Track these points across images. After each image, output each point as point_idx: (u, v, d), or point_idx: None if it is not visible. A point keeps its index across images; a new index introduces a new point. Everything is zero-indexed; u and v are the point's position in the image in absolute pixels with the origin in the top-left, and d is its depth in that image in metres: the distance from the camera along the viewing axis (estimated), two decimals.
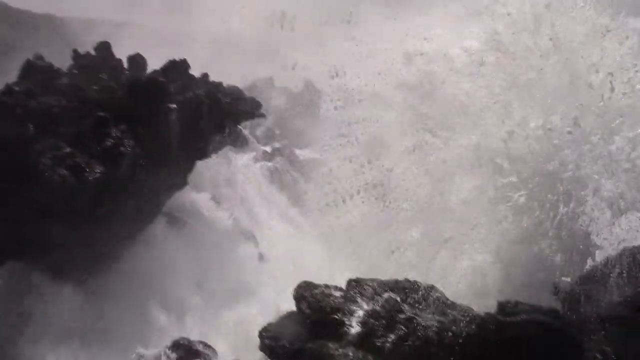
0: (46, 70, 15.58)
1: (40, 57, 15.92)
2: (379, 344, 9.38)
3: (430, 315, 9.72)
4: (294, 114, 33.90)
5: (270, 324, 10.58)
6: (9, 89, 13.72)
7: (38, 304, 13.75)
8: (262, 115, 18.73)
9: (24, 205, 12.33)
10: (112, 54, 17.56)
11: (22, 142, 11.98)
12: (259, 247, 20.27)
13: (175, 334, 12.21)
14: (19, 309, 13.67)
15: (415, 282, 10.46)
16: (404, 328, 9.42)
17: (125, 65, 17.14)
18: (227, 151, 22.48)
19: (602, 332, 9.39)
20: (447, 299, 10.34)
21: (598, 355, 8.79)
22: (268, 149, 30.20)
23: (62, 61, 17.58)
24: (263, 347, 10.34)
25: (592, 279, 12.22)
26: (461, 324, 9.25)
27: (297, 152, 30.64)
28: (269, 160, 29.18)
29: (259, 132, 30.98)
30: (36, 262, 13.65)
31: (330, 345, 9.54)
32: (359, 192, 19.63)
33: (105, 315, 14.73)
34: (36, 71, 15.39)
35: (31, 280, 13.55)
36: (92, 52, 17.46)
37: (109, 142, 13.52)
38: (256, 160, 29.00)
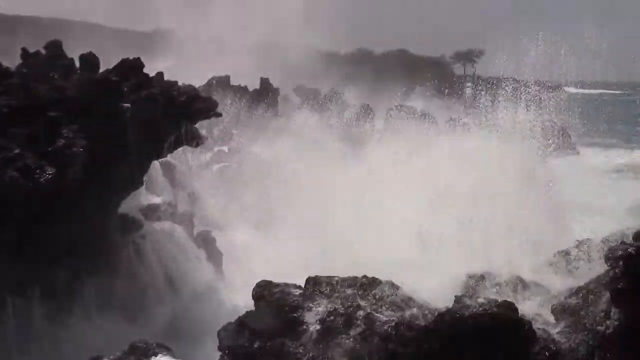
0: None
1: None
2: (338, 341, 9.43)
3: (388, 312, 9.81)
4: (251, 114, 33.81)
5: (229, 324, 10.51)
6: None
7: None
8: (219, 115, 18.53)
9: None
10: (63, 53, 17.20)
11: None
12: (217, 247, 20.13)
13: (134, 339, 12.01)
14: None
15: (374, 278, 10.53)
16: (362, 324, 9.51)
17: (77, 64, 16.79)
18: (183, 151, 22.26)
19: (555, 323, 9.67)
20: (406, 294, 10.44)
21: (551, 346, 9.01)
22: (225, 148, 29.94)
23: (11, 60, 17.13)
24: (222, 347, 10.28)
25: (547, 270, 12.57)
26: (419, 319, 9.36)
27: (255, 151, 30.51)
28: (227, 160, 28.93)
29: (216, 131, 30.74)
30: None
31: (290, 343, 9.56)
32: None
33: (62, 323, 14.43)
34: None
35: None
36: (43, 51, 17.09)
37: (60, 143, 13.20)
38: (213, 160, 28.73)
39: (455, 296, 10.16)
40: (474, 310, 9.11)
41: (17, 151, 12.61)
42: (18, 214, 12.72)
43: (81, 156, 13.44)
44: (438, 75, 63.07)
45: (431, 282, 11.09)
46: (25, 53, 16.89)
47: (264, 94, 35.28)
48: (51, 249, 13.80)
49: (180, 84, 17.31)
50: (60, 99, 14.27)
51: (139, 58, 16.80)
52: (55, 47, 17.29)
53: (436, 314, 9.47)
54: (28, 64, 16.30)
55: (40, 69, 16.08)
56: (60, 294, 14.40)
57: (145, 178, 16.89)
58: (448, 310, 9.39)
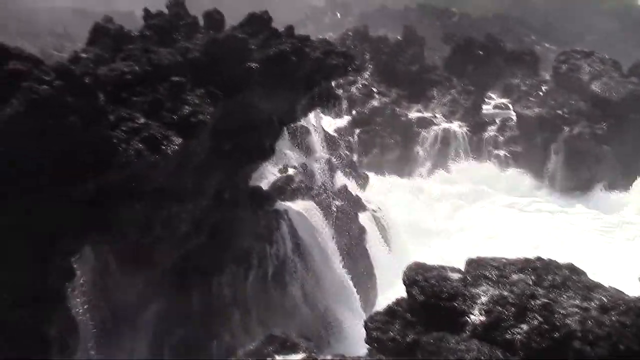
0: (116, 33, 15.80)
1: (109, 20, 16.15)
2: (508, 337, 8.88)
3: (570, 301, 9.09)
4: (395, 68, 33.17)
5: (377, 313, 10.31)
6: (76, 56, 14.00)
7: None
8: (357, 70, 18.23)
9: (99, 184, 12.57)
10: (186, 11, 17.63)
11: (92, 114, 12.15)
12: (360, 223, 20.04)
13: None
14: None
15: (550, 260, 9.84)
16: (538, 317, 8.87)
17: (201, 22, 17.17)
18: (318, 114, 22.27)
19: None
20: (591, 280, 9.66)
21: None
22: (366, 110, 29.55)
23: (131, 23, 17.89)
24: (370, 340, 10.09)
25: None
26: (612, 312, 8.56)
27: (401, 111, 29.97)
28: (367, 123, 28.60)
29: (355, 90, 30.52)
30: (116, 246, 13.99)
31: (449, 337, 9.14)
32: None
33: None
34: (105, 35, 15.65)
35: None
36: (165, 11, 17.63)
37: (186, 110, 13.53)
38: (353, 123, 28.49)
39: None
40: None
41: (141, 121, 13.03)
42: (145, 188, 13.24)
43: (208, 124, 13.71)
44: None
45: None
46: (147, 14, 17.50)
47: (409, 45, 34.40)
48: (182, 227, 14.32)
49: (312, 37, 17.19)
50: (184, 62, 14.63)
51: (266, 11, 16.89)
52: (177, 5, 17.74)
53: (633, 305, 8.63)
54: (150, 26, 16.87)
55: (163, 30, 16.57)
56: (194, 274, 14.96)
57: (276, 146, 17.02)
58: None
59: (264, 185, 17.92)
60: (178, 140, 13.13)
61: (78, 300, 13.36)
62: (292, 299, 16.49)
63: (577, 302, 9.08)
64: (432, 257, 11.81)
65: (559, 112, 31.07)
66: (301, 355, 10.06)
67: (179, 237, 14.40)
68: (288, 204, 17.79)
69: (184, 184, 13.78)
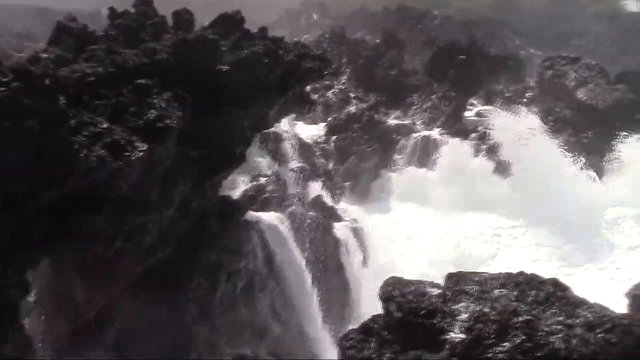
0: (79, 33, 15.65)
1: (72, 19, 16.01)
2: (489, 355, 8.87)
3: (554, 318, 9.12)
4: (373, 72, 33.24)
5: (352, 330, 10.25)
6: (35, 57, 13.82)
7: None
8: (333, 74, 18.28)
9: (59, 193, 12.40)
10: (154, 10, 17.52)
11: (52, 118, 11.98)
12: (334, 235, 20.03)
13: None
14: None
15: (533, 275, 9.86)
16: (521, 334, 8.88)
17: (170, 22, 17.07)
18: (292, 120, 22.27)
19: None
20: (576, 296, 9.70)
21: None
22: (343, 116, 29.57)
23: (97, 22, 17.73)
24: (344, 359, 10.03)
25: None
26: (597, 330, 8.58)
27: (379, 117, 30.00)
28: (344, 130, 28.59)
29: (331, 94, 30.49)
30: (76, 259, 13.82)
31: (427, 356, 9.12)
32: None
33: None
34: (68, 35, 15.49)
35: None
36: (131, 9, 17.51)
37: (151, 115, 13.40)
38: (329, 130, 28.43)
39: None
40: None
41: (104, 126, 12.87)
42: (108, 197, 13.09)
43: (175, 129, 13.60)
44: None
45: None
46: (112, 13, 17.35)
47: (388, 49, 34.52)
48: (147, 238, 14.16)
49: (286, 39, 17.19)
50: (150, 64, 14.51)
51: (239, 11, 16.86)
52: (145, 4, 17.63)
53: (619, 322, 8.66)
54: (115, 25, 16.72)
55: (129, 30, 16.44)
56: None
57: (247, 153, 16.95)
58: (636, 319, 8.55)
59: (234, 194, 17.81)
60: (143, 146, 13.00)
61: (35, 316, 13.17)
62: (262, 315, 16.34)
63: (562, 319, 9.09)
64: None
65: (544, 119, 31.36)
66: None
67: (143, 249, 14.24)
68: (259, 214, 17.70)
69: (149, 192, 13.64)
